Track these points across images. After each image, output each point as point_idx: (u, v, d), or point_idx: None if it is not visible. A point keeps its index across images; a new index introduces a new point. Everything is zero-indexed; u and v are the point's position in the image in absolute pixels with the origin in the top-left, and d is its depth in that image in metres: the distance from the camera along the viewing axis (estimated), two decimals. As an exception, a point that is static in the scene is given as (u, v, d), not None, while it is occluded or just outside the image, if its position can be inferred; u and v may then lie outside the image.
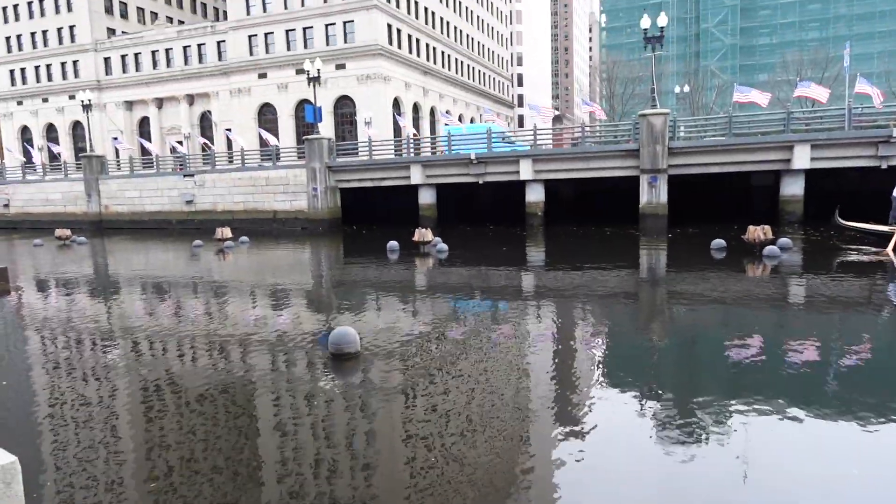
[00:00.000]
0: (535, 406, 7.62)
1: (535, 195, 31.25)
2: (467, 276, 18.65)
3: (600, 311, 13.22)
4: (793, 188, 26.64)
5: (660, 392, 8.07)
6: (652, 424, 6.92)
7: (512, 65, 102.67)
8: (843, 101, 33.75)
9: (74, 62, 70.17)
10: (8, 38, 73.75)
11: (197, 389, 8.55)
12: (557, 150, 33.00)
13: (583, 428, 7.01)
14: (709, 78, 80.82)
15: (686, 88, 70.79)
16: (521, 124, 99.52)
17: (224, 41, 61.98)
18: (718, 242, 20.45)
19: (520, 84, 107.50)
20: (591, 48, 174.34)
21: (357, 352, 9.62)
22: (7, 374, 10.06)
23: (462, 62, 76.23)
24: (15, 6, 72.43)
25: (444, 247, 22.87)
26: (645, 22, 29.24)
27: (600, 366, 9.42)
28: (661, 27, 28.88)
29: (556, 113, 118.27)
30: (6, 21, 73.38)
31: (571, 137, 43.30)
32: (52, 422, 7.65)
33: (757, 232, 20.17)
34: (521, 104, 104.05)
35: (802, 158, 25.84)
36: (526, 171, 30.75)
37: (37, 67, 72.86)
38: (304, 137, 36.59)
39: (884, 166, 25.02)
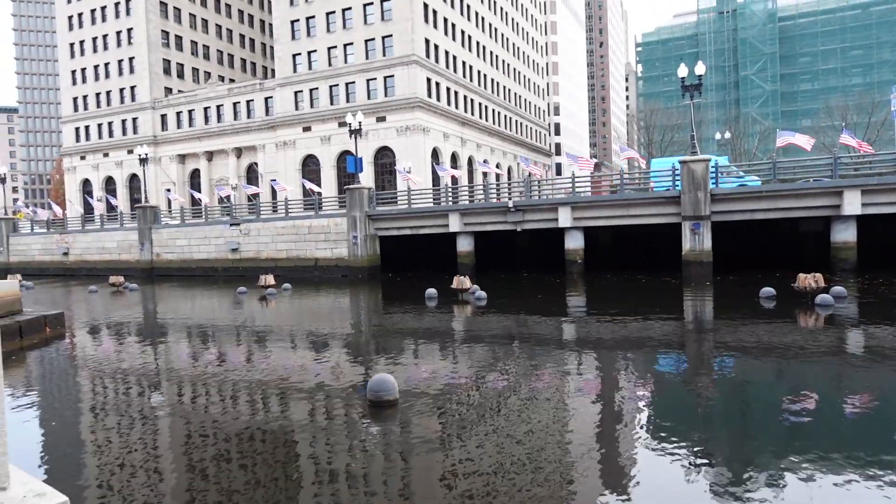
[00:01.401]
0: (576, 461, 7.36)
1: (574, 242, 31.03)
2: (506, 323, 18.46)
3: (644, 362, 12.81)
4: (844, 234, 25.68)
5: (708, 449, 7.70)
6: (701, 483, 6.58)
7: (549, 114, 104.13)
8: (892, 146, 32.80)
9: (134, 119, 74.62)
10: (75, 99, 79.22)
11: (238, 435, 8.61)
12: (597, 197, 32.91)
13: (626, 484, 6.72)
14: (750, 124, 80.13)
15: (727, 135, 70.25)
16: (558, 172, 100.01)
17: (271, 97, 65.09)
18: (767, 291, 19.71)
19: (557, 133, 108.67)
20: (627, 97, 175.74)
21: (395, 399, 9.56)
22: (58, 416, 10.37)
23: (499, 113, 77.78)
24: (83, 70, 78.02)
25: (483, 294, 22.79)
26: (682, 71, 29.37)
27: (645, 419, 9.07)
28: (700, 75, 28.95)
29: (595, 161, 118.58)
30: (74, 83, 79.00)
31: (610, 185, 43.21)
32: (99, 462, 7.80)
33: (808, 280, 19.27)
34: (558, 152, 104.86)
35: (853, 204, 25.00)
36: (565, 218, 30.67)
37: (99, 125, 77.70)
38: (345, 187, 37.63)
39: (941, 211, 23.99)
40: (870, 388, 10.13)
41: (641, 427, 8.65)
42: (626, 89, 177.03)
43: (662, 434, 8.26)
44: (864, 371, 11.48)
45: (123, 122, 75.64)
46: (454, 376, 11.90)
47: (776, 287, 20.09)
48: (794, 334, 15.14)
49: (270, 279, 30.52)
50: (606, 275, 29.53)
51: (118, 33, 74.22)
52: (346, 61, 59.99)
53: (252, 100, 66.98)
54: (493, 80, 75.86)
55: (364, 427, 8.83)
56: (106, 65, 76.08)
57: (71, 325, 20.39)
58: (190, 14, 76.22)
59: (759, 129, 77.03)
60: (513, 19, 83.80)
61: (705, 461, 7.19)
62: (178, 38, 75.42)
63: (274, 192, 57.71)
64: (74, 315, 23.52)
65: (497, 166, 73.21)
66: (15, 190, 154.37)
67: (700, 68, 29.03)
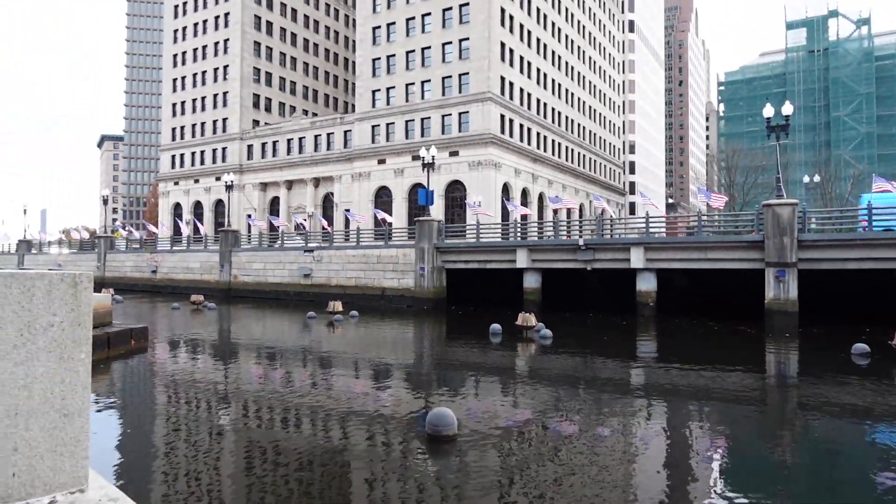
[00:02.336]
0: (643, 513, 6.94)
1: (646, 284, 29.95)
2: (572, 364, 17.93)
3: (719, 416, 12.02)
4: (951, 289, 23.45)
5: None
6: None
7: (624, 152, 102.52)
8: None
9: (223, 149, 79.74)
10: (174, 129, 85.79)
11: (297, 456, 8.73)
12: (672, 239, 31.80)
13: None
14: (843, 167, 75.51)
15: (816, 178, 66.49)
16: (632, 211, 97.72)
17: (350, 130, 67.84)
18: (860, 347, 18.12)
19: (632, 171, 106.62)
20: (707, 136, 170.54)
21: (454, 435, 9.42)
22: (133, 424, 10.91)
23: (572, 150, 77.36)
24: (182, 102, 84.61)
25: (548, 333, 22.29)
26: (768, 111, 28.20)
27: (717, 477, 8.46)
28: (787, 115, 27.68)
29: (671, 201, 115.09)
30: (174, 115, 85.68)
31: (686, 226, 41.69)
32: (167, 472, 8.10)
33: None
34: (632, 191, 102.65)
35: (961, 256, 22.86)
36: (637, 259, 29.74)
37: (193, 153, 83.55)
38: (415, 219, 38.28)
39: None
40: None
41: (712, 486, 8.07)
42: (707, 129, 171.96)
43: (733, 495, 7.67)
44: None
45: (214, 151, 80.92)
46: (515, 415, 11.62)
47: (870, 343, 18.48)
48: (889, 396, 13.81)
49: (339, 306, 31.24)
50: (680, 320, 28.24)
51: (215, 70, 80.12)
52: (422, 97, 61.79)
53: (332, 133, 70.02)
54: (567, 117, 75.78)
55: (420, 460, 8.73)
56: (203, 98, 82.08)
57: (153, 338, 21.60)
58: (280, 53, 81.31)
59: (852, 173, 72.38)
60: (590, 58, 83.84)
61: None
62: (269, 75, 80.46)
63: (347, 222, 59.57)
64: (157, 329, 24.92)
65: (569, 199, 72.37)
66: (115, 211, 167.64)
67: (788, 108, 27.76)
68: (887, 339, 18.43)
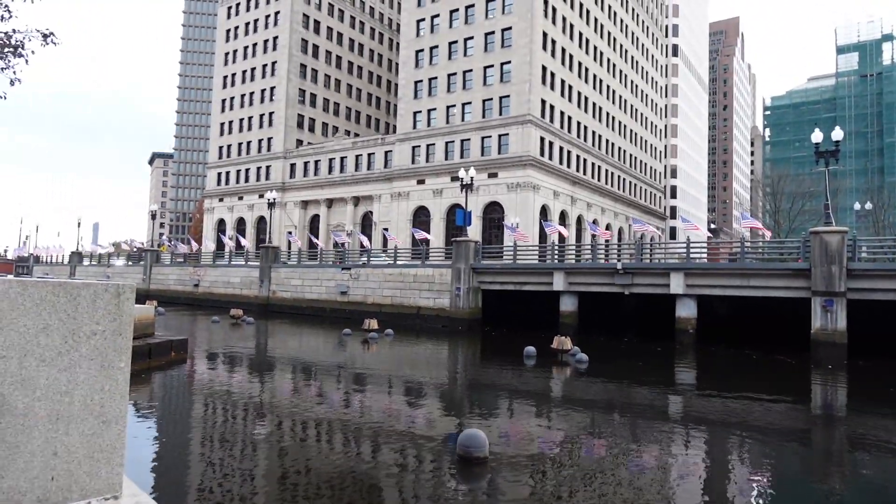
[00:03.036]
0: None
1: (686, 311, 29.16)
2: (608, 390, 17.53)
3: (760, 450, 11.49)
4: None
5: None
6: None
7: (665, 177, 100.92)
8: None
9: (267, 167, 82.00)
10: (220, 148, 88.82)
11: (329, 472, 8.74)
12: (713, 265, 30.96)
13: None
14: (896, 195, 72.59)
15: (868, 206, 63.95)
16: (672, 236, 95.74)
17: (390, 151, 68.91)
18: (917, 382, 17.24)
19: (673, 196, 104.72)
20: (752, 161, 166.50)
21: (486, 457, 9.29)
22: (169, 434, 11.14)
23: (612, 173, 76.59)
24: (230, 122, 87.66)
25: (584, 357, 21.87)
26: (817, 136, 27.36)
27: (762, 514, 8.09)
28: (837, 141, 26.81)
29: (713, 227, 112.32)
30: (221, 134, 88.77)
31: (729, 252, 40.54)
32: (200, 482, 8.22)
33: None
34: (673, 216, 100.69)
35: None
36: (677, 284, 29.03)
37: (238, 171, 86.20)
38: (452, 239, 38.39)
39: None
40: None
41: None
42: (752, 154, 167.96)
43: None
44: None
45: (258, 169, 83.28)
46: (549, 440, 11.39)
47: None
48: None
49: (374, 324, 31.43)
50: (720, 348, 27.34)
51: (262, 91, 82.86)
52: (462, 119, 62.39)
53: (373, 153, 71.24)
54: (607, 140, 75.22)
55: (451, 482, 8.63)
56: (249, 118, 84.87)
57: (193, 350, 22.12)
58: (325, 75, 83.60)
59: (907, 201, 69.52)
60: (632, 81, 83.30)
61: None
62: (313, 96, 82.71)
63: (385, 240, 60.21)
64: (197, 342, 25.53)
65: (608, 227, 71.53)
66: (162, 225, 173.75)
67: (838, 133, 26.90)
68: None
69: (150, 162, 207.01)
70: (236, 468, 8.99)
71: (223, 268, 52.71)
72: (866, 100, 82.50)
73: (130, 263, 66.79)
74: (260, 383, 16.95)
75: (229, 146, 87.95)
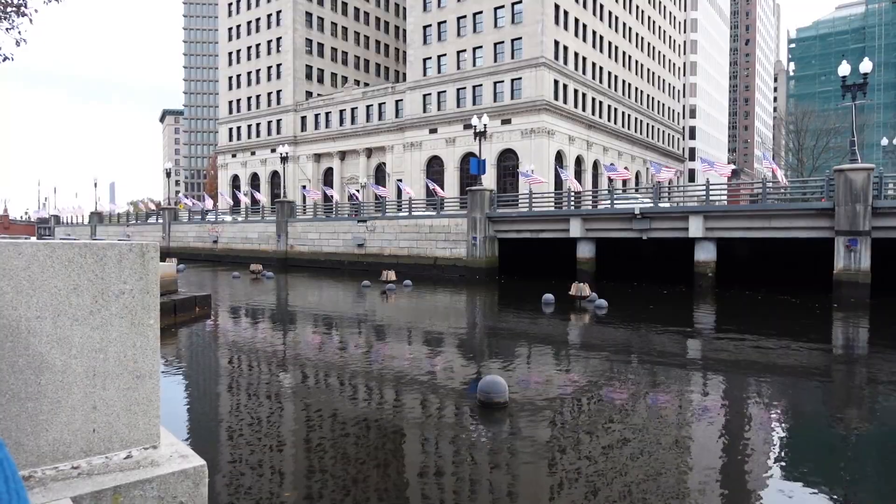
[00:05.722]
0: (692, 489, 6.84)
1: (705, 254, 28.97)
2: (627, 335, 17.66)
3: (780, 389, 11.60)
4: None
5: (849, 493, 6.83)
6: None
7: (684, 117, 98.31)
8: None
9: (278, 121, 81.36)
10: (230, 102, 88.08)
11: (352, 421, 9.03)
12: (733, 207, 30.51)
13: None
14: (926, 129, 70.09)
15: None
16: (691, 179, 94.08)
17: (401, 100, 67.78)
18: (939, 320, 17.13)
19: (692, 137, 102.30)
20: (775, 98, 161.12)
21: (505, 402, 9.50)
22: (198, 387, 11.53)
23: (629, 115, 74.79)
24: (238, 76, 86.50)
25: (603, 303, 21.98)
26: (844, 69, 26.30)
27: (777, 452, 8.20)
28: (865, 73, 25.75)
29: (734, 167, 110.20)
30: (230, 88, 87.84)
31: (750, 194, 39.82)
32: (230, 433, 8.56)
33: None
34: (692, 157, 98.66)
35: None
36: (696, 228, 28.73)
37: (249, 126, 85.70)
38: (467, 188, 38.14)
39: None
40: None
41: (772, 460, 7.83)
42: (775, 90, 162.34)
43: (795, 470, 7.45)
44: None
45: (269, 123, 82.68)
46: (567, 385, 11.59)
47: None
48: None
49: (392, 275, 31.75)
50: (740, 291, 27.25)
51: (269, 42, 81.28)
52: (474, 64, 60.86)
53: (384, 103, 70.17)
54: (624, 81, 73.10)
55: (472, 427, 8.87)
56: (257, 71, 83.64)
57: (216, 306, 22.60)
58: (332, 23, 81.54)
59: (937, 135, 67.01)
60: (649, 17, 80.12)
61: None
62: (321, 46, 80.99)
63: (399, 192, 60.04)
64: (219, 297, 26.05)
65: (625, 170, 70.39)
66: (177, 183, 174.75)
67: (866, 65, 25.80)
68: None
69: (161, 119, 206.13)
70: (264, 416, 9.31)
71: (240, 224, 53.23)
72: (897, 28, 78.76)
73: (141, 222, 67.60)
74: (283, 335, 17.36)
75: (238, 101, 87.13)
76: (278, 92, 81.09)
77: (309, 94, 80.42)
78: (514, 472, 7.17)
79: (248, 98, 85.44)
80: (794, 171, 68.08)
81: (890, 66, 77.33)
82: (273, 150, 78.51)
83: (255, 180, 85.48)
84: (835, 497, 6.67)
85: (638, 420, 9.28)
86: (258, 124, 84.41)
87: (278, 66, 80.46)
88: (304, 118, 79.04)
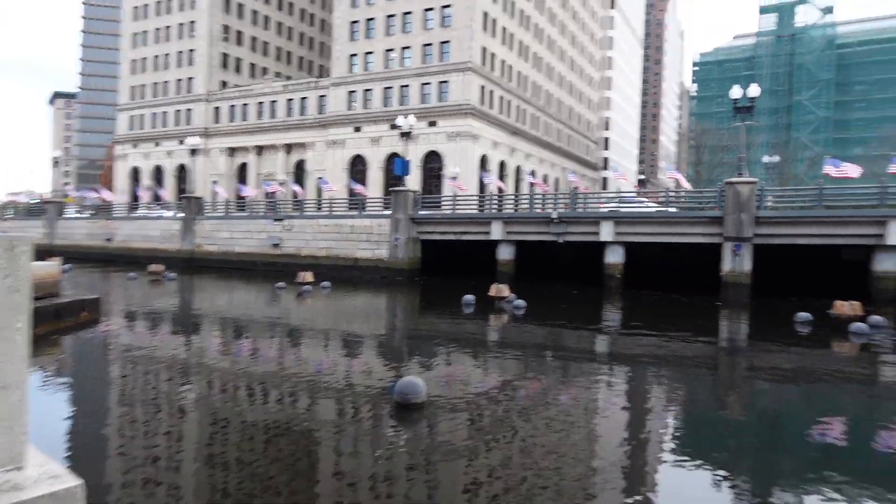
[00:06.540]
0: (601, 476, 7.18)
1: (614, 257, 30.48)
2: (542, 334, 18.16)
3: (676, 381, 12.56)
4: (886, 264, 24.65)
5: (734, 468, 7.57)
6: (723, 501, 6.39)
7: (599, 129, 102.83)
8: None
9: (188, 111, 76.95)
10: (133, 88, 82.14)
11: (263, 428, 8.57)
12: (640, 213, 32.20)
13: (650, 500, 6.53)
14: (800, 150, 77.88)
15: (776, 159, 68.08)
16: (604, 187, 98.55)
17: (325, 96, 66.19)
18: (803, 316, 19.26)
19: (606, 147, 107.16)
20: (680, 115, 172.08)
21: (423, 402, 9.40)
22: (83, 400, 10.58)
23: (550, 124, 77.17)
24: (143, 59, 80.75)
25: (521, 303, 22.48)
26: (735, 92, 28.63)
27: (673, 436, 9.02)
28: (752, 98, 28.17)
29: (642, 177, 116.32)
30: (133, 72, 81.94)
31: (655, 202, 42.19)
32: (119, 449, 7.85)
33: (844, 307, 19.10)
34: (606, 167, 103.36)
35: (896, 234, 23.96)
36: (607, 232, 30.14)
37: (154, 115, 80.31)
38: (390, 189, 37.81)
39: None
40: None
41: (668, 444, 8.61)
42: (680, 108, 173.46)
43: (689, 452, 8.19)
44: (894, 400, 11.37)
45: (177, 112, 78.01)
46: (485, 383, 11.68)
47: (813, 312, 19.57)
48: (827, 360, 15.13)
49: (309, 276, 30.83)
50: (645, 291, 28.92)
51: (181, 25, 76.70)
52: (402, 64, 60.55)
53: (306, 97, 68.27)
54: (546, 90, 75.34)
55: (389, 429, 8.69)
56: (166, 56, 78.62)
57: (107, 310, 20.80)
58: (252, 10, 78.25)
59: (808, 155, 74.82)
60: (571, 32, 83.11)
61: (729, 480, 7.11)
62: (239, 33, 77.53)
63: (320, 191, 58.63)
64: (112, 301, 23.97)
65: (544, 178, 72.58)
66: (67, 174, 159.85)
67: (754, 90, 28.21)
68: (827, 309, 19.78)
69: (51, 102, 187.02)
70: (161, 429, 8.64)
71: (140, 220, 49.80)
72: (781, 59, 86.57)
73: (18, 217, 61.42)
74: (186, 342, 16.33)
75: (143, 86, 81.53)
76: (189, 79, 76.75)
77: (224, 83, 76.78)
78: (430, 472, 7.06)
79: (155, 84, 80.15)
80: (693, 183, 73.06)
81: (773, 92, 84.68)
82: (181, 142, 74.14)
83: (158, 174, 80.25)
84: (718, 471, 7.34)
85: (551, 415, 9.50)
86: (165, 113, 79.40)
87: (191, 51, 76.18)
88: (217, 109, 75.33)
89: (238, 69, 78.47)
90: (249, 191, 52.26)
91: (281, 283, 29.20)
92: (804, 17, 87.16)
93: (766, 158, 61.84)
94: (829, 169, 27.56)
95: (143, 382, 11.40)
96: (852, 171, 26.97)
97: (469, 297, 23.33)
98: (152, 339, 16.31)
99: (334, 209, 40.85)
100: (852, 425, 9.64)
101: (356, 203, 40.53)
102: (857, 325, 17.46)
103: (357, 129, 63.17)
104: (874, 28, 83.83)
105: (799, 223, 26.55)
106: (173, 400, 10.03)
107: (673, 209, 32.44)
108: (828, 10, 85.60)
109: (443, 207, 38.26)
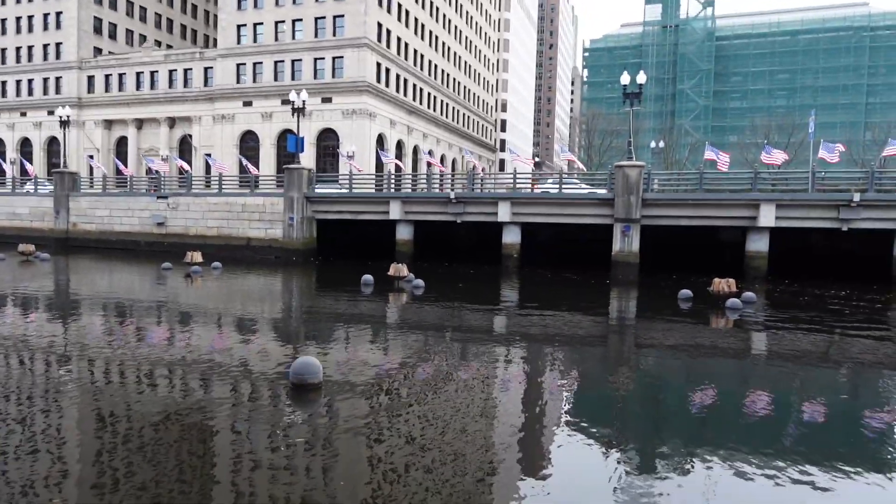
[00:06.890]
0: (498, 450, 7.52)
1: (511, 237, 31.53)
2: (440, 313, 18.55)
3: (569, 357, 13.24)
4: (758, 244, 27.45)
5: (622, 438, 8.09)
6: (614, 469, 6.88)
7: (496, 110, 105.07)
8: (808, 166, 35.09)
9: (57, 79, 69.60)
10: (-9, 51, 73.04)
11: (153, 417, 8.23)
12: (536, 195, 33.51)
13: (546, 470, 6.94)
14: (683, 136, 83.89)
15: (661, 144, 73.18)
16: (501, 168, 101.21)
17: (211, 68, 62.30)
18: (685, 293, 20.84)
19: (503, 129, 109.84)
20: (572, 100, 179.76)
21: (319, 383, 9.42)
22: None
23: (447, 104, 77.75)
24: (3, 20, 71.97)
25: (420, 283, 22.78)
26: (625, 79, 30.26)
27: (566, 410, 9.45)
28: (640, 84, 29.95)
29: (537, 159, 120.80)
30: (-9, 33, 72.75)
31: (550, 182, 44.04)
32: (-8, 442, 7.26)
33: (721, 284, 20.75)
34: (502, 149, 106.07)
35: (767, 217, 26.67)
36: (504, 213, 31.08)
37: (18, 82, 72.03)
38: (284, 167, 36.54)
39: (844, 229, 25.93)
40: (766, 385, 10.90)
41: (561, 417, 9.01)
42: (572, 93, 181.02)
43: (581, 424, 8.65)
44: (763, 369, 12.39)
45: (45, 80, 70.44)
46: (383, 363, 11.85)
47: (693, 289, 21.17)
48: (704, 334, 16.20)
49: (198, 256, 29.33)
50: (541, 271, 30.19)
51: (45, -16, 68.82)
52: (293, 37, 58.21)
53: (190, 68, 63.90)
54: (443, 70, 75.65)
55: (286, 410, 8.66)
56: (30, 17, 70.50)
57: (-28, 293, 18.85)
58: (127, -29, 71.71)
59: (690, 141, 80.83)
60: (467, 12, 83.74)
61: (618, 449, 7.58)
62: (112, -4, 70.82)
63: (208, 167, 55.40)
64: (-23, 283, 21.77)
65: (442, 158, 73.23)
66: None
67: (642, 78, 30.02)
68: (707, 287, 21.30)
69: None
70: (38, 424, 8.07)
71: (6, 197, 44.92)
72: (666, 49, 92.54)
73: None
74: (63, 326, 15.11)
75: (4, 50, 72.78)
76: (58, 45, 69.24)
77: (98, 50, 70.01)
78: (328, 451, 7.16)
79: (18, 48, 71.62)
80: (584, 166, 77.01)
81: (659, 80, 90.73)
82: (51, 113, 67.00)
83: (26, 146, 72.35)
84: (606, 438, 7.93)
85: (448, 392, 9.86)
86: (31, 80, 71.31)
87: (58, 14, 68.61)
88: (91, 78, 68.64)
89: (113, 36, 71.84)
90: (129, 168, 48.34)
91: (167, 264, 27.60)
92: (687, 8, 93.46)
93: (652, 143, 66.28)
94: (711, 155, 29.96)
95: (12, 372, 10.44)
96: (722, 163, 29.68)
97: (368, 278, 23.33)
98: (25, 324, 14.94)
99: (225, 187, 38.93)
100: (724, 393, 10.58)
101: (248, 181, 38.85)
102: (733, 301, 19.08)
103: (247, 104, 60.23)
104: (749, 23, 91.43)
105: (682, 205, 28.56)
106: (48, 390, 9.33)
107: (584, 187, 33.95)
108: (709, 3, 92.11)
109: (340, 186, 37.65)
